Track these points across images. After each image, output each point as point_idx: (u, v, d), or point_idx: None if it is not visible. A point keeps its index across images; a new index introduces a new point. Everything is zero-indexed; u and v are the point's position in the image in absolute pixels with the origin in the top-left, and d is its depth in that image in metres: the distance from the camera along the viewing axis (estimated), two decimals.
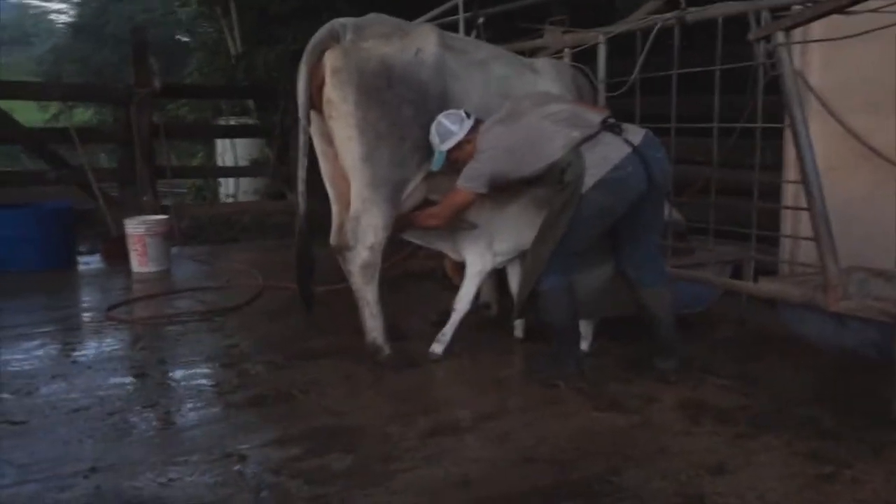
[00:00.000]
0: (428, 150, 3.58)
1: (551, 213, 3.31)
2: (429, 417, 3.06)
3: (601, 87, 4.36)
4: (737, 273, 4.30)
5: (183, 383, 3.47)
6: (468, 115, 3.49)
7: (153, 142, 6.87)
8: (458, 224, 3.86)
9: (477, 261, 3.87)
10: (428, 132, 3.53)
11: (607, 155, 3.20)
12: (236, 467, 2.64)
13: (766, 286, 3.67)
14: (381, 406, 3.22)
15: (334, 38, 3.51)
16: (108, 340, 4.13)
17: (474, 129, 3.47)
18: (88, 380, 3.49)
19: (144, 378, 3.52)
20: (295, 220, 3.75)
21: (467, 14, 5.11)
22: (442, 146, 3.47)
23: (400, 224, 3.72)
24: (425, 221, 3.67)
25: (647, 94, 4.26)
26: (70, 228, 6.34)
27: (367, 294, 3.64)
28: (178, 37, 21.49)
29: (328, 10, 6.74)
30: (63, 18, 31.17)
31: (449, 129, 3.45)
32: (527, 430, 2.95)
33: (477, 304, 4.52)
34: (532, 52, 4.74)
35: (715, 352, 3.89)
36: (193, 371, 3.64)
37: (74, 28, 27.31)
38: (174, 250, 6.59)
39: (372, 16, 3.69)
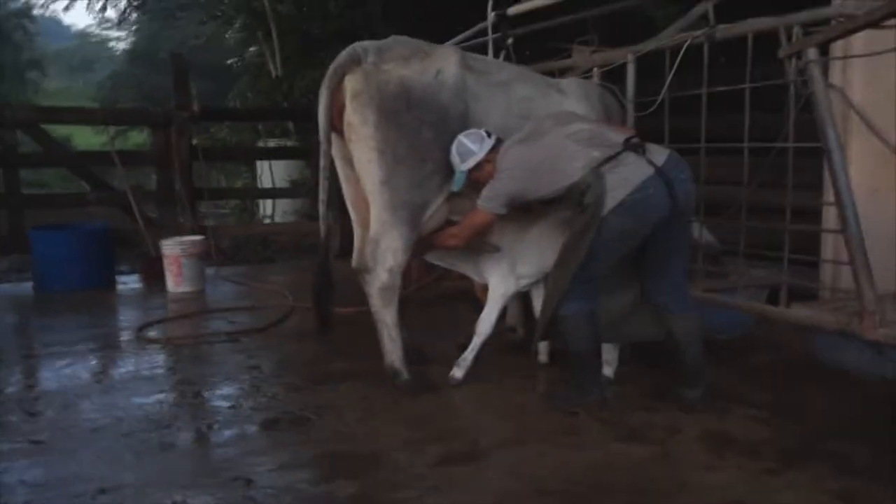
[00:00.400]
0: (448, 172, 3.55)
1: (571, 236, 3.24)
2: (441, 444, 3.00)
3: (630, 106, 4.28)
4: (776, 298, 4.14)
5: (200, 405, 3.48)
6: (489, 135, 3.45)
7: (192, 164, 6.99)
8: (480, 247, 3.82)
9: (500, 284, 3.81)
10: (448, 154, 3.50)
11: (628, 176, 3.12)
12: (241, 492, 2.62)
13: (799, 312, 3.52)
14: (394, 432, 3.17)
15: (355, 62, 3.51)
16: (134, 361, 4.17)
17: (495, 148, 3.43)
18: (110, 400, 3.52)
19: (163, 399, 3.54)
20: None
21: (496, 35, 5.09)
22: (462, 166, 3.44)
23: (421, 245, 3.70)
24: (445, 242, 3.64)
25: (680, 113, 4.16)
26: (109, 249, 6.47)
27: (386, 317, 3.61)
28: (229, 61, 22.04)
29: (367, 33, 6.82)
30: (121, 46, 32.17)
31: (469, 148, 3.42)
32: (541, 460, 2.87)
33: (503, 327, 4.48)
34: (562, 73, 4.69)
35: (746, 380, 3.75)
36: (212, 392, 3.65)
37: (130, 54, 28.17)
38: (210, 271, 6.68)
39: (393, 38, 3.70)
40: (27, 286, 6.27)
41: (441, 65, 3.56)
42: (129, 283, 6.53)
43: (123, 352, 4.37)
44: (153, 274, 6.33)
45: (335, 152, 3.69)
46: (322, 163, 3.58)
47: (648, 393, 3.56)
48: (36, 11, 30.87)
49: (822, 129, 3.33)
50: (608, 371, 3.77)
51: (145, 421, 3.26)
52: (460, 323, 4.62)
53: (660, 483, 2.68)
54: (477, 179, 3.46)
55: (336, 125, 3.57)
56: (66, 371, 3.99)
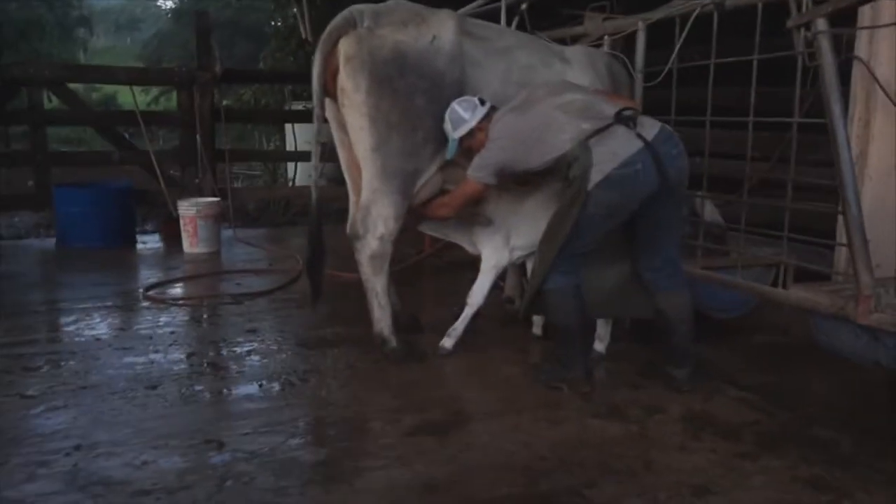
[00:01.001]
0: (442, 140, 3.51)
1: (558, 209, 3.19)
2: (417, 414, 3.00)
3: (638, 76, 4.15)
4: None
5: (189, 366, 3.52)
6: (482, 103, 3.39)
7: (214, 125, 7.03)
8: (473, 219, 3.78)
9: (492, 255, 3.78)
10: (442, 122, 3.45)
11: (616, 150, 3.04)
12: (211, 454, 2.66)
13: (796, 294, 3.40)
14: (374, 399, 3.18)
15: (350, 25, 3.46)
16: (136, 320, 4.26)
17: (488, 116, 3.36)
18: (104, 358, 3.60)
19: (154, 359, 3.60)
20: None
21: (510, 1, 4.97)
22: (454, 134, 3.39)
23: (412, 215, 3.67)
24: (436, 211, 3.61)
25: (689, 84, 4.03)
26: (130, 208, 6.59)
27: (376, 284, 3.60)
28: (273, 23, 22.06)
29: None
30: (168, 4, 32.47)
31: (461, 116, 3.36)
32: (512, 434, 2.85)
33: (500, 298, 4.46)
34: (573, 40, 4.57)
35: (741, 362, 3.68)
36: (203, 354, 3.69)
37: (176, 13, 28.38)
38: (228, 232, 6.78)
39: (393, 1, 3.63)
40: (51, 242, 6.44)
41: (437, 30, 3.49)
42: (149, 242, 6.64)
43: (126, 311, 4.45)
44: (173, 234, 6.42)
45: (330, 117, 3.67)
46: (315, 127, 3.57)
47: (638, 371, 3.51)
48: None
49: (826, 103, 3.19)
50: (600, 347, 3.73)
51: (133, 380, 3.32)
52: (462, 292, 4.59)
53: (628, 461, 2.64)
54: (469, 148, 3.41)
55: (330, 90, 3.54)
56: (69, 329, 4.09)
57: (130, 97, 7.01)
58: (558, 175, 3.23)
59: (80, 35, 28.55)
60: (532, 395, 3.23)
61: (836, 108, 3.16)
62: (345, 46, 3.42)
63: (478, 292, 3.75)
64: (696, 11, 3.73)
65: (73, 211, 6.24)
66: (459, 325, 3.73)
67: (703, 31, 3.73)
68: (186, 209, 6.11)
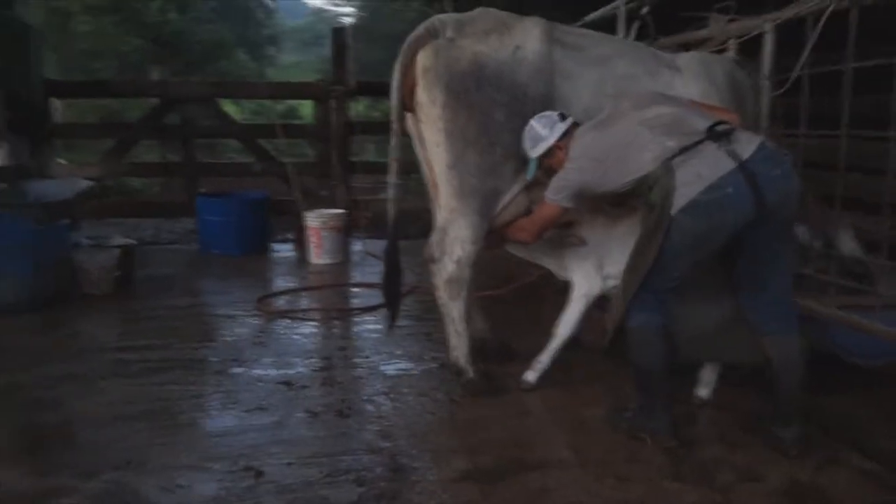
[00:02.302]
0: (523, 157, 3.22)
1: (640, 237, 2.79)
2: (468, 458, 2.73)
3: (766, 84, 3.61)
4: None
5: (261, 384, 3.46)
6: (563, 118, 3.06)
7: (347, 138, 7.10)
8: (565, 239, 3.45)
9: (583, 283, 3.42)
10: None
11: (702, 171, 2.61)
12: (246, 483, 2.55)
13: None
14: (430, 436, 2.95)
15: (432, 35, 3.26)
16: (236, 331, 4.29)
17: (568, 133, 3.04)
18: (182, 371, 3.61)
19: (233, 374, 3.58)
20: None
21: (630, 4, 4.56)
22: (531, 153, 3.10)
23: (492, 238, 3.40)
24: (515, 235, 3.31)
25: (823, 92, 3.45)
26: (265, 217, 6.79)
27: (453, 310, 3.37)
28: None
29: (537, 11, 6.42)
30: (348, 21, 34.05)
31: (539, 133, 3.06)
32: (572, 489, 2.52)
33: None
34: (696, 45, 4.09)
35: (875, 422, 3.06)
36: (281, 371, 3.62)
37: (354, 29, 29.60)
38: (359, 244, 6.81)
39: (480, 10, 3.39)
40: (195, 248, 6.78)
41: (521, 39, 3.21)
42: (281, 251, 6.82)
43: (231, 321, 4.50)
44: (305, 244, 6.55)
45: (412, 133, 3.48)
46: (392, 142, 3.39)
47: (742, 425, 3.02)
48: None
49: None
50: (703, 392, 3.27)
51: (201, 396, 3.32)
52: None
53: None
54: (550, 167, 3.09)
55: (409, 104, 3.35)
56: (162, 341, 4.17)
57: (309, 111, 7.16)
58: (639, 200, 2.85)
59: (269, 52, 30.60)
60: (606, 445, 2.86)
61: None
62: (422, 58, 3.22)
63: (567, 322, 3.41)
64: (830, 8, 3.18)
65: (213, 219, 6.52)
66: (545, 357, 3.41)
67: (839, 32, 3.17)
68: (312, 220, 6.20)
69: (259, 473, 2.61)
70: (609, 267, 3.38)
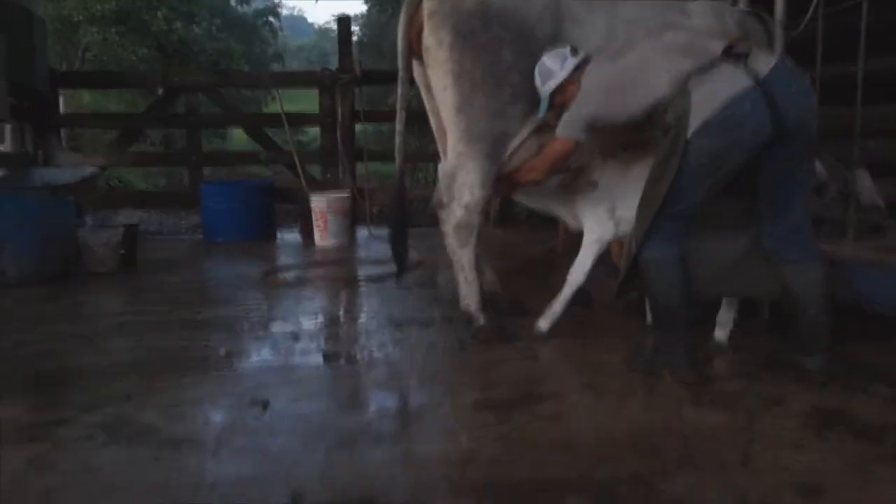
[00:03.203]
0: (534, 100, 3.16)
1: (655, 164, 2.72)
2: (481, 392, 2.65)
3: (779, 30, 3.56)
4: None
5: (268, 339, 3.37)
6: (574, 52, 3.01)
7: (353, 126, 7.07)
8: (575, 184, 3.38)
9: (595, 228, 3.34)
10: (531, 79, 3.11)
11: (717, 90, 2.54)
12: (250, 413, 2.46)
13: None
14: (442, 376, 2.87)
15: None
16: (242, 299, 4.20)
17: (580, 68, 2.98)
18: (187, 330, 3.54)
19: (239, 330, 3.50)
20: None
21: None
22: (544, 89, 3.03)
23: (502, 184, 3.34)
24: (524, 177, 3.23)
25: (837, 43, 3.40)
26: (271, 204, 6.75)
27: (462, 257, 3.30)
28: None
29: None
30: (354, 39, 34.36)
31: (549, 69, 3.01)
32: (586, 416, 2.43)
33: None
34: None
35: None
36: (286, 329, 3.52)
37: (359, 45, 29.84)
38: (365, 231, 6.76)
39: None
40: (199, 237, 6.72)
41: None
42: (287, 237, 6.76)
43: (233, 289, 4.43)
44: (311, 229, 6.49)
45: (419, 81, 3.44)
46: (399, 90, 3.34)
47: (764, 362, 2.92)
48: (284, 11, 33.79)
49: None
50: (721, 334, 3.18)
51: (214, 348, 3.24)
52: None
53: (721, 454, 2.13)
54: (562, 104, 3.03)
55: (416, 50, 3.31)
56: (163, 307, 4.12)
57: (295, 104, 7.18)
58: (655, 126, 2.78)
59: (274, 69, 30.80)
60: (623, 381, 2.77)
61: None
62: (428, 2, 3.18)
63: (579, 269, 3.32)
64: None
65: (217, 207, 6.47)
66: (557, 305, 3.32)
67: None
68: (318, 203, 6.15)
69: (266, 405, 2.53)
70: (621, 211, 3.30)
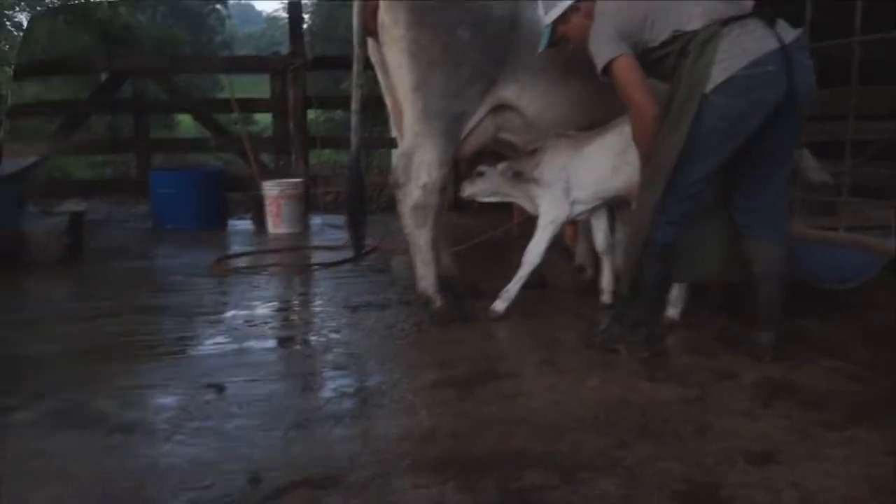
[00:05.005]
0: (489, 79, 3.16)
1: (663, 127, 2.60)
2: (440, 370, 2.65)
3: None
4: None
5: (221, 324, 3.31)
6: None
7: (305, 112, 6.98)
8: (519, 178, 3.36)
9: (550, 209, 3.34)
10: (489, 58, 3.10)
11: (746, 46, 2.47)
12: (208, 397, 2.42)
13: None
14: (400, 356, 2.86)
15: None
16: (194, 285, 4.12)
17: None
18: (139, 315, 3.46)
19: (192, 316, 3.43)
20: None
21: None
22: (546, 18, 2.85)
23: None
24: (642, 115, 2.67)
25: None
26: (221, 191, 6.61)
27: (419, 238, 3.28)
28: None
29: None
30: (304, 27, 33.88)
31: None
32: (545, 392, 2.44)
33: (571, 266, 4.03)
34: None
35: (847, 336, 3.02)
36: (239, 313, 3.47)
37: (309, 34, 29.43)
38: (319, 218, 6.69)
39: None
40: (149, 225, 6.56)
41: None
42: (239, 224, 6.65)
43: (184, 276, 4.33)
44: (263, 217, 6.39)
45: (374, 61, 3.40)
46: (355, 68, 3.30)
47: (715, 338, 2.98)
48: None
49: None
50: (673, 312, 3.22)
51: (161, 332, 3.18)
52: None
53: (676, 424, 2.17)
54: (565, 36, 2.85)
55: (371, 28, 3.26)
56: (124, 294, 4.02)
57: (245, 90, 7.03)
58: (666, 68, 2.67)
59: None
60: (581, 357, 2.80)
61: None
62: None
63: (534, 250, 3.33)
64: None
65: (167, 193, 6.33)
66: (513, 286, 3.33)
67: None
68: (271, 189, 6.06)
69: (221, 389, 2.49)
70: (577, 191, 3.32)
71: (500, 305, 3.32)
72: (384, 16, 3.15)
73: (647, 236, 2.69)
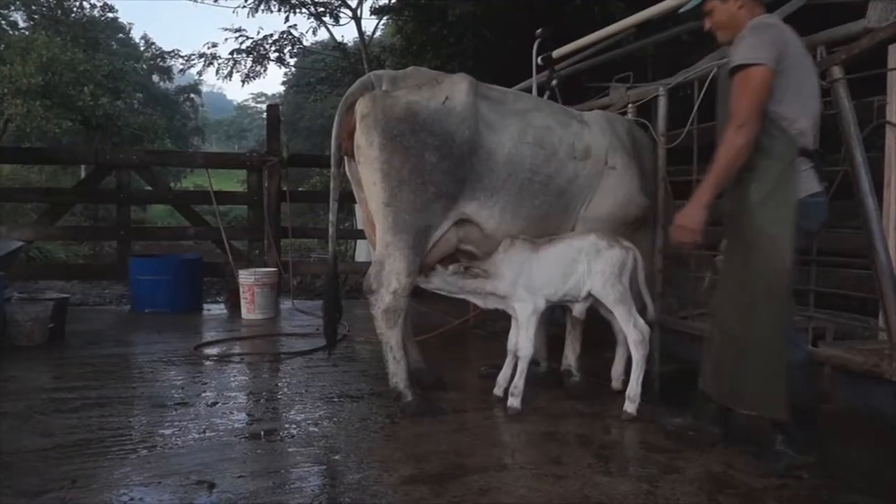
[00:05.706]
0: (451, 199, 3.32)
1: (755, 235, 2.55)
2: (414, 465, 2.70)
3: (661, 139, 3.89)
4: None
5: (204, 415, 3.32)
6: None
7: (279, 205, 7.10)
8: (468, 273, 3.46)
9: (524, 307, 3.41)
10: (452, 178, 3.28)
11: (810, 174, 2.58)
12: (201, 494, 2.42)
13: (826, 351, 2.99)
14: (376, 450, 2.89)
15: (368, 88, 3.38)
16: (174, 373, 4.11)
17: None
18: (123, 406, 3.43)
19: (176, 407, 3.42)
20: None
21: (540, 76, 4.87)
22: None
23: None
24: (740, 125, 2.51)
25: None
26: (198, 278, 6.62)
27: (391, 339, 3.37)
28: None
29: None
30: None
31: None
32: (514, 487, 2.51)
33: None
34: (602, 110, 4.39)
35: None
36: (222, 404, 3.48)
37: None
38: (289, 303, 6.72)
39: (411, 69, 3.55)
40: (126, 308, 6.49)
41: (450, 92, 3.36)
42: (213, 309, 6.62)
43: (169, 366, 4.31)
44: (237, 302, 6.39)
45: (350, 177, 3.55)
46: (332, 185, 3.44)
47: (659, 430, 3.10)
48: (205, 88, 33.48)
49: (848, 150, 2.86)
50: (631, 408, 3.34)
51: (152, 425, 3.15)
52: (494, 356, 4.29)
53: None
54: (711, 12, 2.74)
55: (347, 149, 3.43)
56: (106, 382, 3.98)
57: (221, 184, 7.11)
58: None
59: (193, 143, 30.36)
60: (541, 451, 2.87)
61: (859, 155, 2.83)
62: (360, 106, 3.32)
63: (524, 343, 3.38)
64: (714, 71, 3.50)
65: (146, 279, 6.31)
66: (518, 380, 3.39)
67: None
68: (246, 277, 6.09)
69: (212, 486, 2.49)
70: (542, 289, 3.42)
71: (515, 402, 3.37)
72: (360, 138, 3.32)
73: (789, 358, 2.56)
